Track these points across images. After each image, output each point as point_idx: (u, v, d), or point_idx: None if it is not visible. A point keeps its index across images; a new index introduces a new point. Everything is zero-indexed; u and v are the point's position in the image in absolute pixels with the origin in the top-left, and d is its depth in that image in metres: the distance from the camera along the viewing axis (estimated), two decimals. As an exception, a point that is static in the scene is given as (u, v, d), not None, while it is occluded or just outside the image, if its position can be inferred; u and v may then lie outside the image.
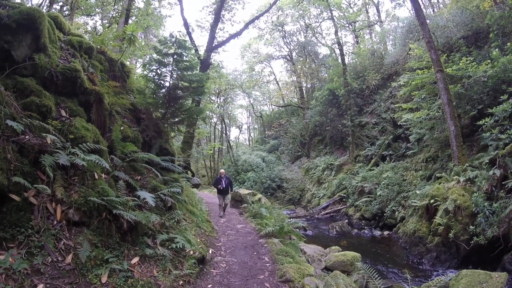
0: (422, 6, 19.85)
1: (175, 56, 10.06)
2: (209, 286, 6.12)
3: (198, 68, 14.77)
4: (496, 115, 11.70)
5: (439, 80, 14.15)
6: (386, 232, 15.74)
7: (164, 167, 8.93)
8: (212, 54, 23.80)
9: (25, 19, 5.66)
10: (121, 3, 19.53)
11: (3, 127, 4.47)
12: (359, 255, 9.82)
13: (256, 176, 32.35)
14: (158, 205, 7.33)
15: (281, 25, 39.35)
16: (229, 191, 13.44)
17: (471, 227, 10.00)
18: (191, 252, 6.70)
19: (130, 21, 18.27)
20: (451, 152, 13.84)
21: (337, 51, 32.11)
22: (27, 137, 4.86)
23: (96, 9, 21.66)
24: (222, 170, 13.93)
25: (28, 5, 6.21)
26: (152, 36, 33.63)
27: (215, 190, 14.77)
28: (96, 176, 5.68)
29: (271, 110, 53.58)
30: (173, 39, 10.02)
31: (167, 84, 10.52)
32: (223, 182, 12.97)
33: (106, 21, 22.89)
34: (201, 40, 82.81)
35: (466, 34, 18.04)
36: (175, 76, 10.41)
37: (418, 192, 14.39)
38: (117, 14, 19.59)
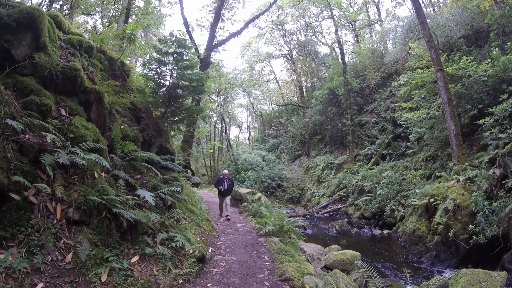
0: (422, 5, 19.84)
1: (175, 55, 10.06)
2: (209, 284, 6.13)
3: (198, 67, 14.77)
4: (496, 115, 11.70)
5: (439, 79, 14.15)
6: (385, 231, 15.77)
7: (164, 166, 8.94)
8: (212, 53, 23.81)
9: (25, 18, 5.66)
10: (121, 2, 19.54)
11: (3, 126, 4.47)
12: (358, 254, 9.83)
13: (256, 175, 32.34)
14: (158, 204, 7.33)
15: (281, 24, 39.32)
16: (230, 193, 13.19)
17: (470, 226, 10.01)
18: (191, 251, 6.71)
19: (130, 20, 18.26)
20: (451, 151, 13.84)
21: (337, 50, 32.11)
22: (27, 136, 4.86)
23: (96, 8, 21.66)
24: (226, 171, 13.47)
25: (28, 4, 6.21)
26: (152, 35, 33.61)
27: (216, 189, 14.59)
28: (96, 175, 5.68)
29: (271, 109, 53.56)
30: (173, 38, 10.03)
31: (167, 83, 10.53)
32: (225, 184, 12.66)
33: (106, 20, 22.88)
34: (201, 39, 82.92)
35: (466, 33, 18.03)
36: (175, 75, 10.41)
37: (417, 191, 14.40)
38: (117, 13, 19.57)
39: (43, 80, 5.99)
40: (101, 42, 10.01)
